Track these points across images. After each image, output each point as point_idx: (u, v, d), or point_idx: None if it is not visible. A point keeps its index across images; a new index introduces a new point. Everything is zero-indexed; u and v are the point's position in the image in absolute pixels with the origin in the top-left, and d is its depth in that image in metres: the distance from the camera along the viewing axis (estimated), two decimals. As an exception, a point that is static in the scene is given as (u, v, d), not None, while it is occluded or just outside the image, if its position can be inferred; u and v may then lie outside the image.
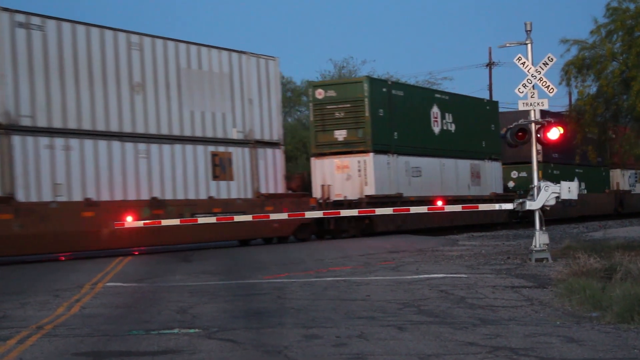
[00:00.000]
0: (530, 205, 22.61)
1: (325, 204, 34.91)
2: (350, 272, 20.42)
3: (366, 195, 35.92)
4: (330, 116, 36.95)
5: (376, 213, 29.14)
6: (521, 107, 23.59)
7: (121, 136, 27.49)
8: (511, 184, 48.26)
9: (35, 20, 25.49)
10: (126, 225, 24.27)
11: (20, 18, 25.09)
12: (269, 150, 32.75)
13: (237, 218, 25.15)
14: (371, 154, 36.43)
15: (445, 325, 12.19)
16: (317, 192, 36.00)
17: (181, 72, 29.64)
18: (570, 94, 47.28)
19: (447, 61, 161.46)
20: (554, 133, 23.22)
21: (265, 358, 10.36)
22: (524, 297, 15.18)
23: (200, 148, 30.00)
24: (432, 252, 26.72)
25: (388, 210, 27.62)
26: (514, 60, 23.31)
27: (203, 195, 29.93)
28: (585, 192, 51.48)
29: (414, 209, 22.15)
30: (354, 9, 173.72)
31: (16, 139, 24.77)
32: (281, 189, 33.20)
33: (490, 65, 70.25)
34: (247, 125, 31.83)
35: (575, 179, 43.13)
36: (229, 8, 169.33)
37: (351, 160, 36.52)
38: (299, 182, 35.24)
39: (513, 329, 11.81)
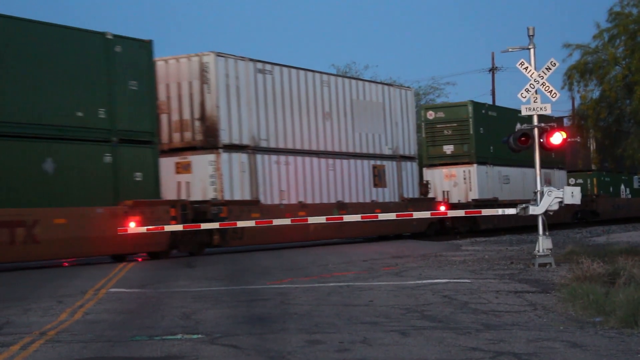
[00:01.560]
0: (533, 210, 22.61)
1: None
2: (353, 278, 20.41)
3: (472, 199, 43.78)
4: (440, 133, 45.46)
5: (482, 214, 31.67)
6: (524, 112, 23.57)
7: (318, 153, 35.20)
8: None
9: (268, 67, 33.10)
10: (129, 231, 25.25)
11: (259, 66, 32.66)
12: (409, 163, 40.77)
13: (382, 216, 27.49)
14: (475, 165, 44.64)
15: (449, 331, 12.18)
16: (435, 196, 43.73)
17: (353, 102, 37.49)
18: (573, 99, 47.48)
19: (450, 66, 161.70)
20: (557, 138, 23.22)
21: (269, 364, 10.36)
22: (527, 302, 15.17)
23: (365, 162, 37.87)
24: (436, 258, 26.72)
25: (493, 211, 29.01)
26: (517, 65, 23.29)
27: (368, 199, 37.68)
28: (630, 196, 61.06)
29: (507, 211, 23.80)
30: (356, 14, 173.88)
31: (258, 157, 32.12)
32: (417, 194, 41.17)
33: (493, 70, 70.27)
34: (394, 143, 39.83)
35: (623, 185, 54.81)
36: (228, 12, 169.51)
37: (457, 170, 44.88)
38: (426, 189, 42.52)
39: (516, 334, 11.80)
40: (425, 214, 30.90)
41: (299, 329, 12.55)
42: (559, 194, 22.44)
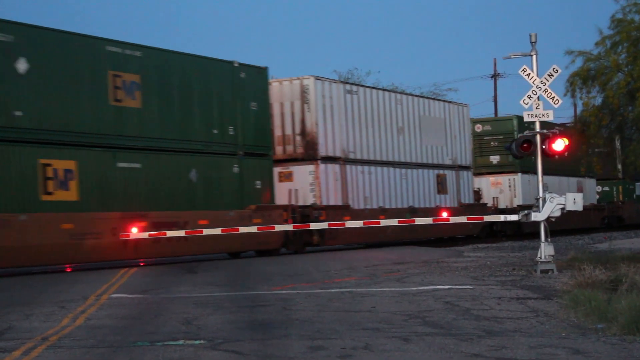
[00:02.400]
0: (535, 216, 22.62)
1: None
2: (355, 284, 20.41)
3: (517, 205, 47.03)
4: (487, 145, 49.79)
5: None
6: (526, 119, 23.58)
7: (393, 164, 39.57)
8: (596, 197, 59.51)
9: (354, 88, 38.23)
10: (131, 237, 25.54)
11: (348, 87, 37.77)
12: (465, 172, 44.95)
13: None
14: (519, 174, 48.69)
15: (451, 337, 12.17)
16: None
17: (421, 118, 41.78)
18: (575, 106, 47.66)
19: (452, 72, 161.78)
20: (559, 144, 23.21)
21: (271, 369, 10.36)
22: (529, 308, 15.16)
23: (431, 171, 42.12)
24: (438, 264, 26.71)
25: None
26: (519, 71, 23.28)
27: (433, 204, 41.41)
28: None
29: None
30: (358, 20, 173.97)
31: (347, 167, 36.58)
32: (472, 200, 45.36)
33: (495, 76, 70.37)
34: (453, 154, 44.00)
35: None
36: (229, 19, 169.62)
37: (503, 179, 49.28)
38: (478, 195, 46.94)
39: (518, 341, 11.79)
40: (427, 220, 31.71)
41: (300, 335, 12.55)
42: (561, 200, 22.44)
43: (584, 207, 49.94)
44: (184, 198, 29.11)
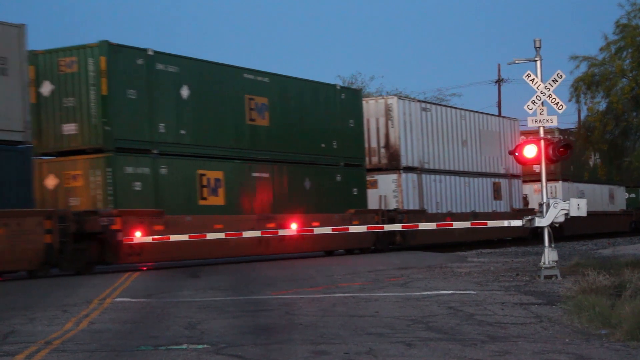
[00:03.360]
0: (539, 222, 22.60)
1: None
2: (359, 289, 20.39)
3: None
4: None
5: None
6: (530, 124, 23.54)
7: (458, 173, 44.68)
8: (625, 203, 64.03)
9: (428, 106, 43.37)
10: (135, 240, 26.32)
11: (423, 105, 42.98)
12: (515, 180, 50.35)
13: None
14: (560, 182, 52.59)
15: (454, 342, 12.16)
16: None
17: (480, 132, 46.83)
18: (579, 111, 48.20)
19: (456, 77, 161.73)
20: (564, 150, 23.17)
21: (274, 374, 10.35)
22: (533, 314, 15.14)
23: (488, 180, 47.18)
24: (441, 269, 26.68)
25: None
26: (523, 76, 23.24)
27: (490, 210, 46.56)
28: None
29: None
30: (362, 25, 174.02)
31: (423, 176, 41.84)
32: (522, 205, 50.35)
33: (499, 81, 70.28)
34: (506, 164, 48.39)
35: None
36: (233, 23, 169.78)
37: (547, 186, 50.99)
38: (526, 201, 51.70)
39: (522, 346, 11.77)
40: (431, 225, 31.62)
41: (304, 340, 12.53)
42: (565, 206, 22.41)
43: (615, 213, 60.96)
44: (301, 203, 34.20)
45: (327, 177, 36.15)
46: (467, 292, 18.91)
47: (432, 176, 42.38)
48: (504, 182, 48.65)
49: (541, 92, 22.97)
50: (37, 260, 24.91)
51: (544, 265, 22.18)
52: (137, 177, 28.11)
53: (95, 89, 27.34)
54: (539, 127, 23.34)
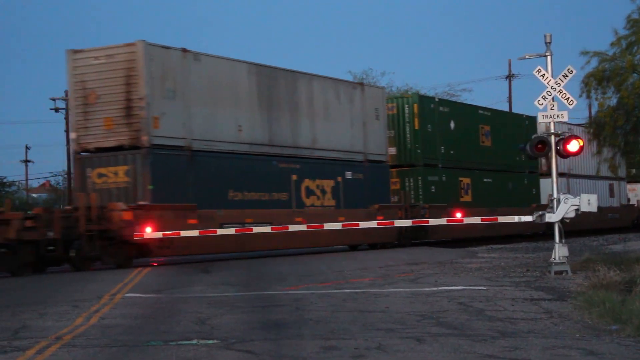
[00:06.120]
0: (549, 217, 22.51)
1: None
2: (369, 284, 20.39)
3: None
4: None
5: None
6: (540, 120, 23.47)
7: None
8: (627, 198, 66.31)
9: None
10: (145, 237, 26.53)
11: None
12: (622, 182, 60.14)
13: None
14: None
15: (464, 338, 12.15)
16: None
17: None
18: (590, 106, 47.70)
19: (467, 73, 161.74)
20: (574, 145, 23.09)
21: (284, 369, 10.36)
22: (543, 309, 15.12)
23: (605, 182, 56.56)
24: (451, 265, 26.66)
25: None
26: (534, 72, 23.17)
27: (607, 205, 55.83)
28: None
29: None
30: (373, 22, 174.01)
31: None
32: (626, 201, 61.36)
33: (510, 77, 70.15)
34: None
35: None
36: (242, 20, 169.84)
37: (637, 186, 64.04)
38: (627, 198, 60.18)
39: (532, 342, 11.76)
40: (441, 221, 34.79)
41: (314, 335, 12.54)
42: (576, 201, 22.34)
43: (617, 208, 63.22)
44: (502, 198, 46.03)
45: (515, 181, 49.00)
46: (478, 287, 18.90)
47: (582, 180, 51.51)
48: (616, 184, 57.51)
49: (551, 88, 22.90)
50: (394, 236, 38.46)
51: (554, 261, 22.12)
52: (433, 182, 42.00)
53: (410, 125, 41.47)
54: (549, 122, 23.26)
